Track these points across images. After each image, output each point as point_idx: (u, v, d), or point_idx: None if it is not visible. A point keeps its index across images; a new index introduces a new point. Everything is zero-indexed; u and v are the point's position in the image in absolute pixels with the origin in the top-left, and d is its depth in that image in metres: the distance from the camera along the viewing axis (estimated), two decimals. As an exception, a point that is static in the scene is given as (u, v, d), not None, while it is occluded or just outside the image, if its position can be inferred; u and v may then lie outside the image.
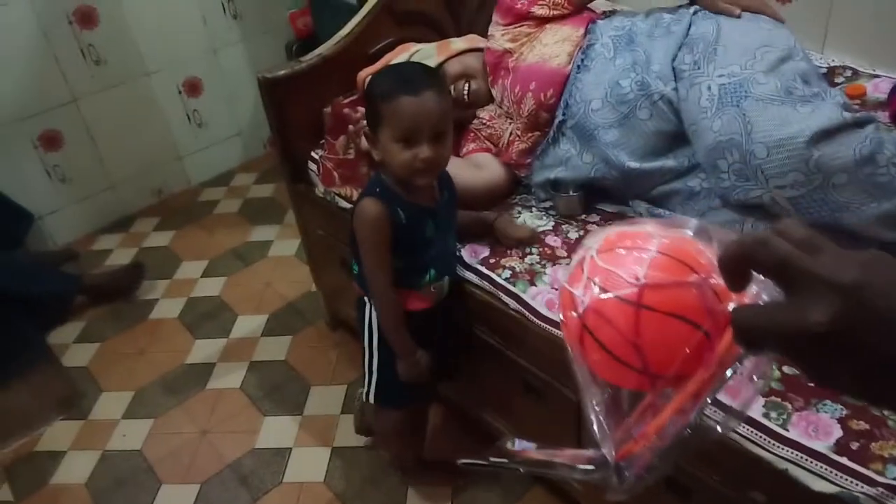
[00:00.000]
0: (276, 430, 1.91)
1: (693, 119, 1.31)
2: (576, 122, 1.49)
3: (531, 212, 1.56)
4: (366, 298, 1.38)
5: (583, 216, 1.51)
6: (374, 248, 1.27)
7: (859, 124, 1.17)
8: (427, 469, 1.69)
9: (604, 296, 0.51)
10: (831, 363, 0.39)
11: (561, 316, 0.55)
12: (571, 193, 1.51)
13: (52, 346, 2.30)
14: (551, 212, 1.54)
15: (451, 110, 1.24)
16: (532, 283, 1.34)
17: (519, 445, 0.66)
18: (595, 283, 0.52)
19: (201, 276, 2.57)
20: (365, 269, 1.30)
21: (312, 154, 1.82)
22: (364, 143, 1.55)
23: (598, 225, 1.48)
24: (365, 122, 1.34)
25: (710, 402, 0.51)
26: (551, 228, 1.49)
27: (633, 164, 1.41)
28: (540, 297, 1.31)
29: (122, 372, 2.18)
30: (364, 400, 1.47)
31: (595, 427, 0.56)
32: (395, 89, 1.18)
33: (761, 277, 0.44)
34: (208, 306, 2.42)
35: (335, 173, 1.73)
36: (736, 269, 0.44)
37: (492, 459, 0.67)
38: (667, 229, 0.54)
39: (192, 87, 3.03)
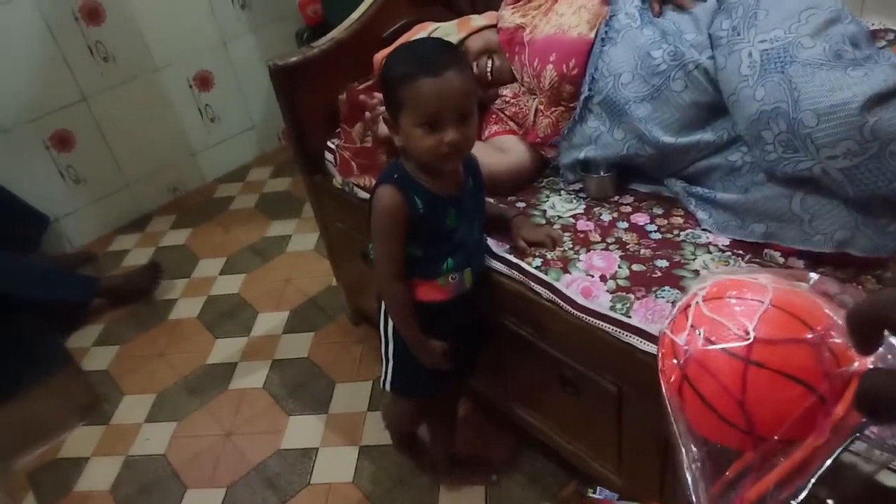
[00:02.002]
0: (302, 430, 1.85)
1: (733, 88, 1.22)
2: (604, 97, 1.41)
3: (560, 195, 1.48)
4: None
5: (615, 197, 1.43)
6: (386, 239, 1.20)
7: (919, 86, 1.07)
8: (458, 467, 1.62)
9: (709, 347, 0.47)
10: None
11: (660, 363, 0.51)
12: (602, 174, 1.43)
13: (71, 350, 2.27)
14: (581, 194, 1.46)
15: (474, 88, 1.16)
16: (566, 271, 1.26)
17: (601, 494, 0.63)
18: (700, 333, 0.48)
19: (219, 274, 2.53)
20: (374, 257, 1.24)
21: (328, 144, 1.76)
22: (382, 129, 1.48)
23: (631, 206, 1.40)
24: (383, 107, 1.26)
25: (820, 473, 0.46)
26: (583, 212, 1.41)
27: (668, 139, 1.33)
28: (574, 285, 1.23)
29: (142, 375, 2.14)
30: (381, 388, 1.42)
31: (690, 485, 0.51)
32: (414, 71, 1.09)
33: (892, 340, 0.40)
34: (228, 304, 2.37)
35: (353, 163, 1.67)
36: (867, 329, 0.40)
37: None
38: (781, 280, 0.49)
39: (204, 81, 2.98)
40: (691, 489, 0.52)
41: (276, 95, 1.72)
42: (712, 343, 0.47)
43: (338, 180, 1.75)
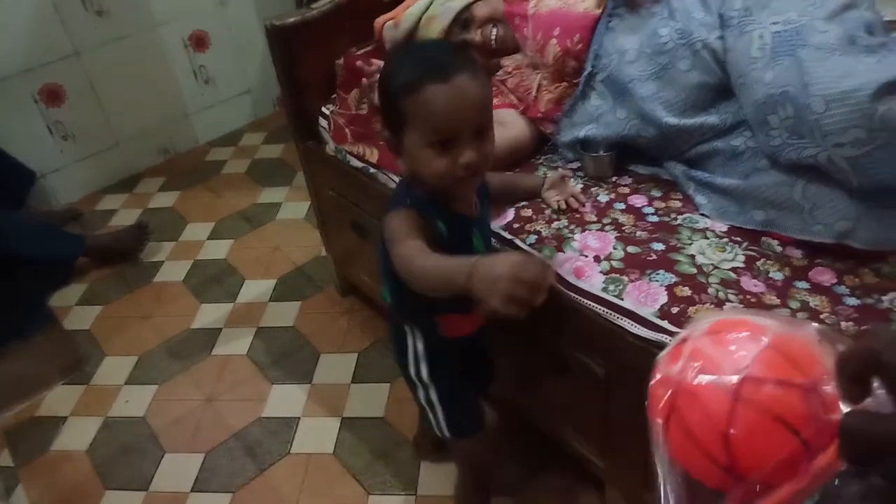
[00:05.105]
0: (284, 399, 1.83)
1: (741, 70, 1.19)
2: (608, 74, 1.38)
3: (557, 172, 1.45)
4: (406, 328, 1.17)
5: (613, 178, 1.40)
6: (409, 241, 0.94)
7: (933, 76, 1.04)
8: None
9: (701, 378, 0.48)
10: None
11: (651, 393, 0.52)
12: (601, 153, 1.40)
13: (54, 308, 2.23)
14: (579, 173, 1.43)
15: (490, 94, 1.00)
16: (560, 250, 1.23)
17: None
18: (694, 365, 0.49)
19: (207, 239, 2.49)
20: (396, 261, 0.95)
21: (323, 109, 1.72)
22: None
23: (629, 188, 1.37)
24: (379, 115, 1.05)
25: None
26: (580, 191, 1.38)
27: (672, 120, 1.30)
28: (568, 264, 1.20)
29: (125, 336, 2.11)
30: (440, 436, 1.30)
31: None
32: (418, 77, 0.90)
33: (881, 391, 0.39)
34: (214, 270, 2.34)
35: (347, 130, 1.63)
36: (857, 373, 0.40)
37: None
38: (785, 325, 0.50)
39: (199, 41, 2.92)
40: None
41: (272, 57, 1.67)
42: (705, 375, 0.48)
43: (331, 147, 1.71)
